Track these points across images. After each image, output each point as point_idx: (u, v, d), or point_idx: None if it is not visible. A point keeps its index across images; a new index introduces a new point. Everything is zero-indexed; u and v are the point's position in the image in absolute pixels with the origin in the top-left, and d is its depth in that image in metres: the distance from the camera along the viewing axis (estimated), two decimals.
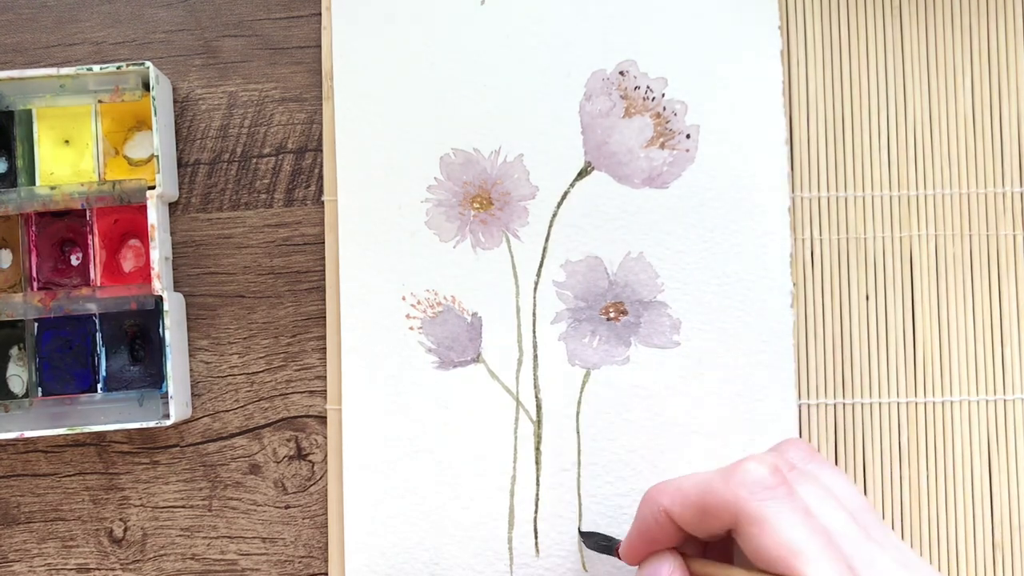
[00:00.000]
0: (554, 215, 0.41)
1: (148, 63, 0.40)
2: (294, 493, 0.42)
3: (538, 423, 0.41)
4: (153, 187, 0.40)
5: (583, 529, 0.40)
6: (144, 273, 0.42)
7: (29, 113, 0.41)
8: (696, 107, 0.41)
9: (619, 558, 0.37)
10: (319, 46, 0.43)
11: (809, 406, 0.41)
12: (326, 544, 0.41)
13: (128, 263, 0.42)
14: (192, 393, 0.42)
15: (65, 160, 0.41)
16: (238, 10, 0.43)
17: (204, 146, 0.43)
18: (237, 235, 0.42)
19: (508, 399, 0.41)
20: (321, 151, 0.43)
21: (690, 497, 0.33)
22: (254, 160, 0.43)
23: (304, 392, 0.42)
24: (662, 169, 0.41)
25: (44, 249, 0.42)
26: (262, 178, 0.43)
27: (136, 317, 0.41)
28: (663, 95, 0.41)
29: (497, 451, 0.41)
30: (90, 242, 0.41)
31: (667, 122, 0.41)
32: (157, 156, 0.40)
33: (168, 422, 0.39)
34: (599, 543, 0.39)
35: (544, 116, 0.41)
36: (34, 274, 0.41)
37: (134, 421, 0.40)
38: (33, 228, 0.42)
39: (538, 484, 0.40)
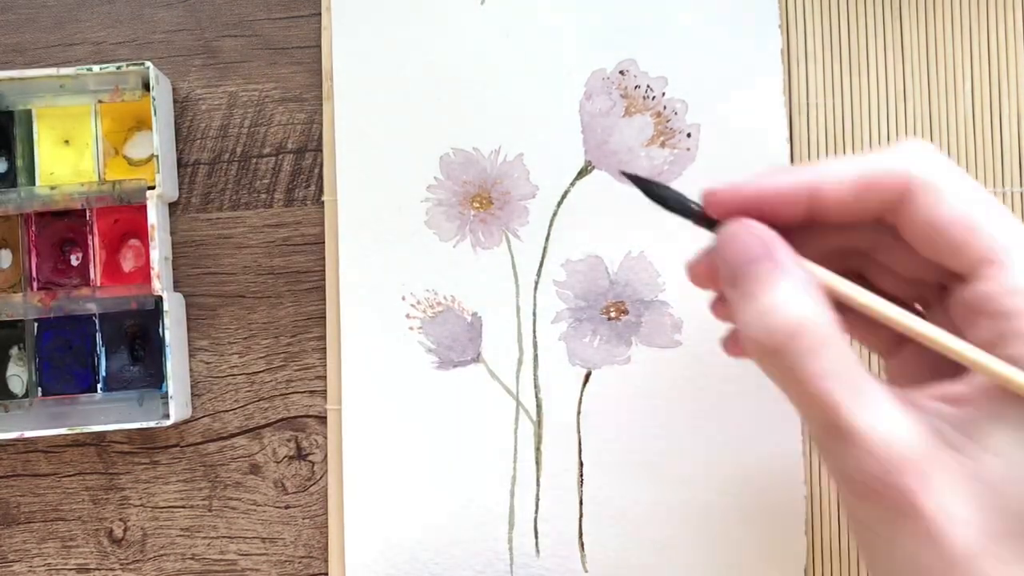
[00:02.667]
0: (554, 214, 0.41)
1: (148, 63, 0.40)
2: (294, 493, 0.42)
3: (538, 423, 0.41)
4: (153, 187, 0.40)
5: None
6: (144, 273, 0.42)
7: (29, 113, 0.42)
8: (696, 106, 0.41)
9: (696, 221, 0.30)
10: (319, 46, 0.43)
11: None
12: (326, 544, 0.41)
13: (128, 263, 0.42)
14: (192, 393, 0.42)
15: (65, 160, 0.41)
16: (238, 10, 0.43)
17: (204, 146, 0.43)
18: (237, 235, 0.42)
19: (508, 399, 0.41)
20: (321, 151, 0.43)
21: (847, 171, 0.27)
22: (254, 160, 0.43)
23: (304, 392, 0.42)
24: (663, 168, 0.41)
25: (44, 249, 0.42)
26: (262, 178, 0.43)
27: (136, 317, 0.41)
28: (663, 94, 0.41)
29: (497, 451, 0.41)
30: (90, 242, 0.41)
31: (667, 121, 0.41)
32: (157, 156, 0.40)
33: (168, 422, 0.39)
34: (672, 198, 0.30)
35: (544, 115, 0.41)
36: (34, 274, 0.41)
37: (134, 421, 0.39)
38: (33, 228, 0.42)
39: (538, 484, 0.40)
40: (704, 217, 0.29)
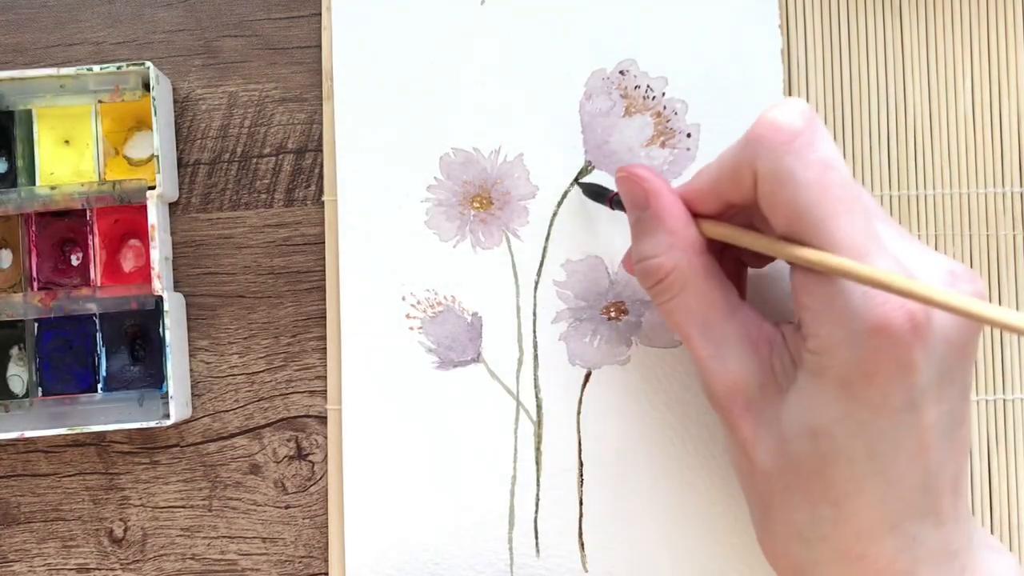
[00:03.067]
0: (554, 214, 0.41)
1: (148, 63, 0.40)
2: (294, 493, 0.42)
3: (538, 423, 0.41)
4: (153, 187, 0.40)
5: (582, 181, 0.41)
6: (144, 273, 0.42)
7: (29, 113, 0.42)
8: (696, 106, 0.41)
9: (611, 207, 0.38)
10: (319, 46, 0.43)
11: None
12: (326, 544, 0.41)
13: (128, 263, 0.42)
14: (192, 393, 0.42)
15: (65, 160, 0.41)
16: (238, 10, 0.43)
17: (204, 146, 0.43)
18: (237, 235, 0.42)
19: (508, 399, 0.41)
20: (321, 151, 0.43)
21: (710, 172, 0.33)
22: (254, 160, 0.43)
23: (304, 392, 0.42)
24: (663, 168, 0.41)
25: (44, 249, 0.42)
26: (262, 178, 0.43)
27: (136, 317, 0.41)
28: (663, 94, 0.41)
29: (497, 451, 0.41)
30: (90, 242, 0.41)
31: (667, 121, 0.41)
32: (157, 156, 0.40)
33: (168, 422, 0.39)
34: (593, 190, 0.40)
35: (544, 115, 0.41)
36: (34, 274, 0.41)
37: (134, 421, 0.40)
38: (33, 228, 0.42)
39: (538, 484, 0.40)
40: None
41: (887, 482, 0.30)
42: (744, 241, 0.33)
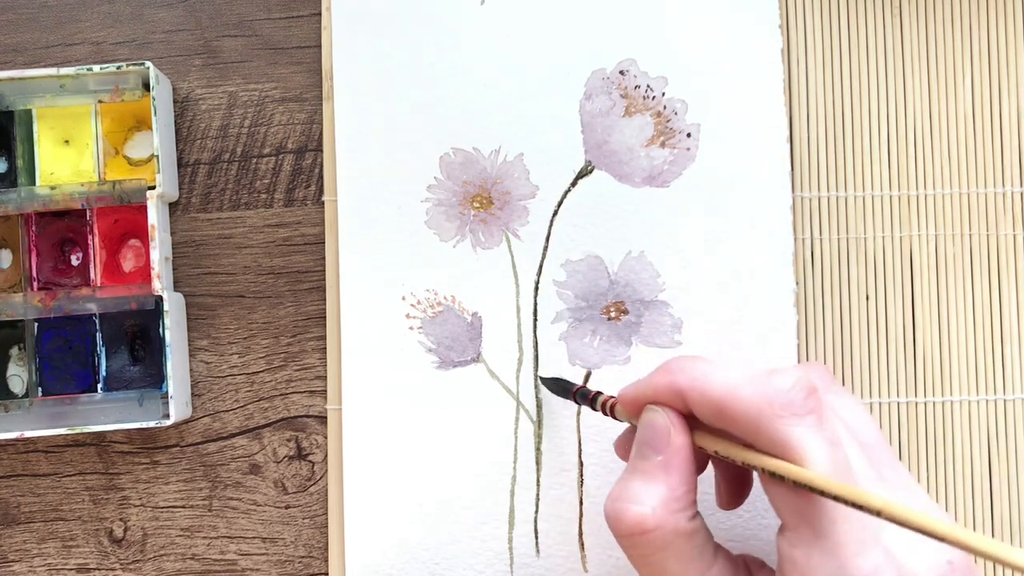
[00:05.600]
0: (554, 214, 0.41)
1: (148, 63, 0.40)
2: (294, 493, 0.42)
3: (538, 423, 0.41)
4: (153, 187, 0.40)
5: (543, 376, 0.40)
6: (144, 273, 0.42)
7: (29, 113, 0.42)
8: (697, 106, 0.41)
9: (577, 402, 0.38)
10: (319, 46, 0.43)
11: None
12: (326, 544, 0.41)
13: (128, 263, 0.42)
14: (192, 393, 0.42)
15: (65, 160, 0.41)
16: (238, 10, 0.43)
17: (204, 146, 0.43)
18: (237, 235, 0.42)
19: (508, 399, 0.41)
20: (321, 151, 0.43)
21: (712, 393, 0.31)
22: (254, 160, 0.43)
23: (304, 392, 0.42)
24: (663, 168, 0.41)
25: (44, 249, 0.42)
26: (262, 178, 0.43)
27: (136, 317, 0.41)
28: (663, 94, 0.41)
29: (497, 451, 0.40)
30: (90, 242, 0.41)
31: (667, 121, 0.41)
32: (157, 156, 0.40)
33: (168, 422, 0.39)
34: (560, 386, 0.39)
35: (544, 115, 0.41)
36: (34, 274, 0.41)
37: (134, 421, 0.40)
38: (33, 228, 0.42)
39: (538, 484, 0.40)
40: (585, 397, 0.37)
41: None
42: (742, 458, 0.32)
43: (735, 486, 0.36)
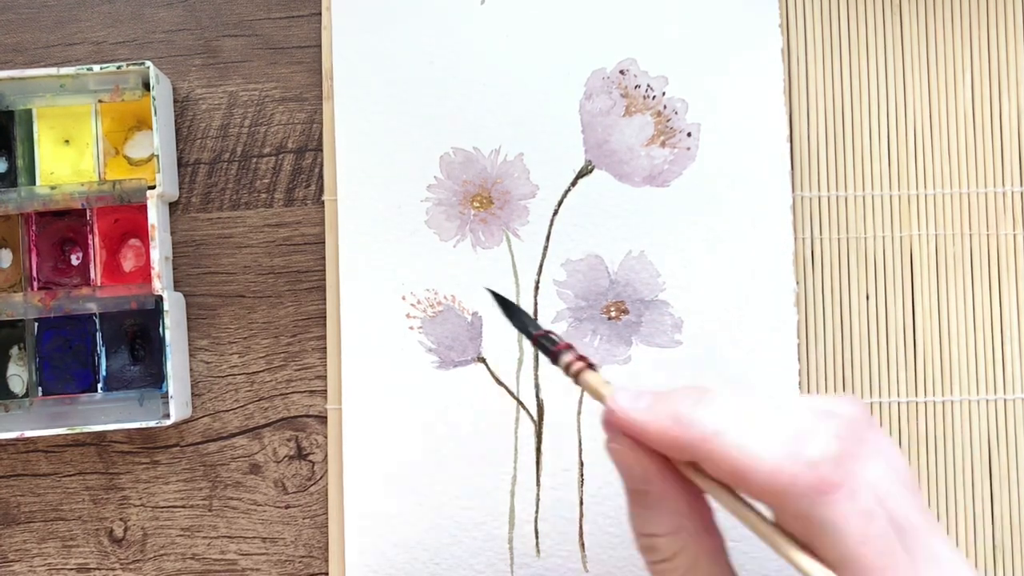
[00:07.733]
0: (555, 214, 0.41)
1: (148, 63, 0.40)
2: (294, 493, 0.42)
3: (539, 423, 0.41)
4: (153, 187, 0.40)
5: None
6: (144, 273, 0.42)
7: (29, 113, 0.41)
8: (697, 105, 0.41)
9: (536, 347, 0.31)
10: (319, 46, 0.43)
11: None
12: (326, 544, 0.41)
13: (128, 263, 0.42)
14: (192, 393, 0.42)
15: (65, 160, 0.41)
16: (238, 10, 0.43)
17: (204, 146, 0.43)
18: (237, 235, 0.42)
19: (509, 399, 0.41)
20: (321, 151, 0.43)
21: (727, 461, 0.28)
22: (254, 160, 0.43)
23: (304, 392, 0.42)
24: (663, 168, 0.41)
25: (44, 249, 0.42)
26: (262, 178, 0.43)
27: (136, 317, 0.41)
28: (663, 93, 0.41)
29: (498, 451, 0.40)
30: (90, 242, 0.41)
31: (668, 120, 0.41)
32: (157, 156, 0.40)
33: (168, 422, 0.39)
34: (519, 319, 0.33)
35: (544, 115, 0.41)
36: (34, 274, 0.41)
37: (134, 421, 0.39)
38: (33, 228, 0.42)
39: (539, 484, 0.40)
40: (548, 349, 0.31)
41: None
42: (748, 520, 0.29)
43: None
